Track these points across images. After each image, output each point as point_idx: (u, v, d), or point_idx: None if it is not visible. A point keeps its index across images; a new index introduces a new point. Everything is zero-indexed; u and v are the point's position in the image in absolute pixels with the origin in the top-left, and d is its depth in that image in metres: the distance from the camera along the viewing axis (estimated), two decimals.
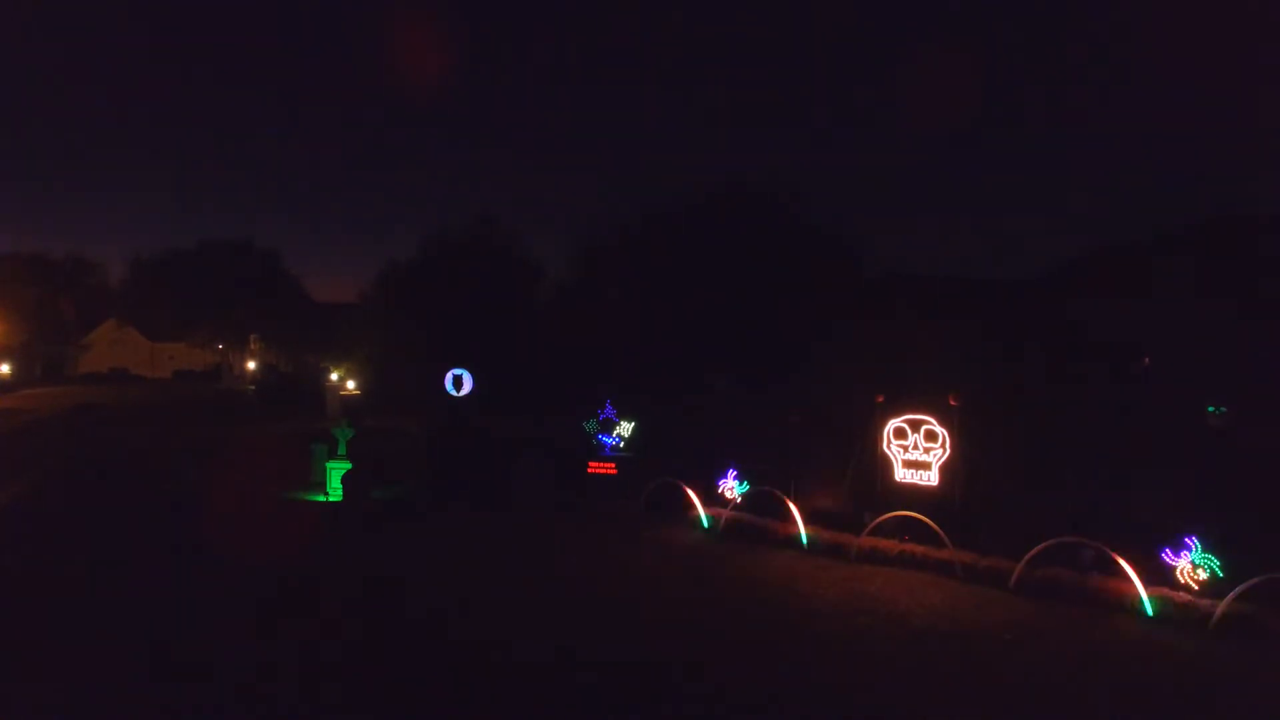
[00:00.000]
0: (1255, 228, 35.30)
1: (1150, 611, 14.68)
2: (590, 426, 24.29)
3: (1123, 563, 15.14)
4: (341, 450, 23.95)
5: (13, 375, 70.83)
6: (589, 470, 23.69)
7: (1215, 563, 14.63)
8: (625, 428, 24.01)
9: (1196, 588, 14.69)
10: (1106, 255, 40.23)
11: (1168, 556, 15.10)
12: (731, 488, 21.28)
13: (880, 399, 19.52)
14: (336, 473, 23.35)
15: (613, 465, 23.45)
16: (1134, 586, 14.93)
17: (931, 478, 18.65)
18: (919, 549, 17.56)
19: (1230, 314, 28.22)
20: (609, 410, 24.17)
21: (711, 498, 21.44)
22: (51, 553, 18.04)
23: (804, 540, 18.99)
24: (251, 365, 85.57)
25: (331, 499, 23.23)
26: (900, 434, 19.16)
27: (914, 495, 18.69)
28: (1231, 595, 13.94)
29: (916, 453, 18.91)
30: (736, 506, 20.79)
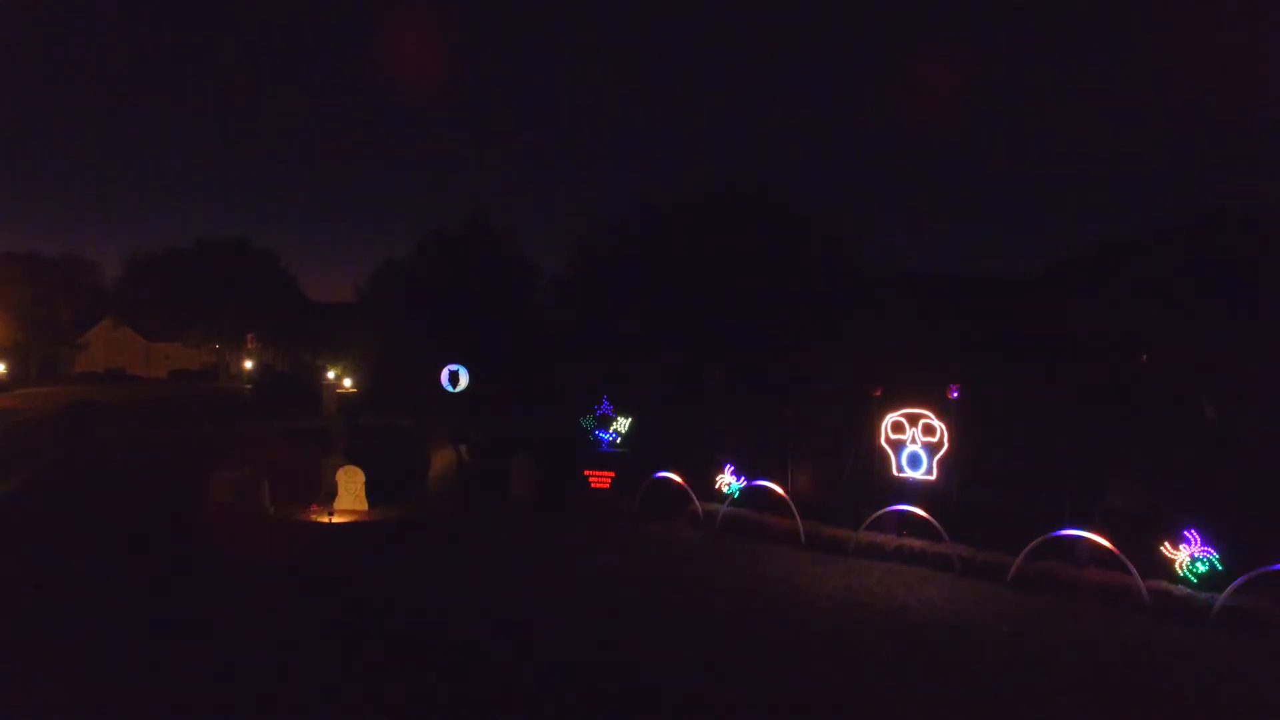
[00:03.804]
0: (1252, 223, 35.25)
1: (1149, 604, 14.63)
2: (587, 422, 24.18)
3: (1121, 556, 15.09)
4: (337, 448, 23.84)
5: (8, 375, 70.60)
6: (586, 479, 23.47)
7: (1214, 555, 14.59)
8: (622, 424, 23.91)
9: (1195, 580, 14.65)
10: (1103, 252, 40.17)
11: (1166, 549, 15.06)
12: (729, 483, 21.19)
13: (878, 393, 19.45)
14: None
15: (609, 475, 23.22)
16: (1132, 579, 14.89)
17: (929, 472, 18.59)
18: (917, 543, 17.53)
19: (1227, 309, 28.19)
20: (605, 406, 24.07)
21: (709, 493, 21.36)
22: (41, 552, 17.93)
23: (802, 535, 18.93)
24: (248, 364, 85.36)
25: None
26: (898, 428, 19.09)
27: (912, 489, 18.65)
28: (1230, 588, 13.91)
29: (914, 447, 18.85)
30: (734, 502, 20.71)
